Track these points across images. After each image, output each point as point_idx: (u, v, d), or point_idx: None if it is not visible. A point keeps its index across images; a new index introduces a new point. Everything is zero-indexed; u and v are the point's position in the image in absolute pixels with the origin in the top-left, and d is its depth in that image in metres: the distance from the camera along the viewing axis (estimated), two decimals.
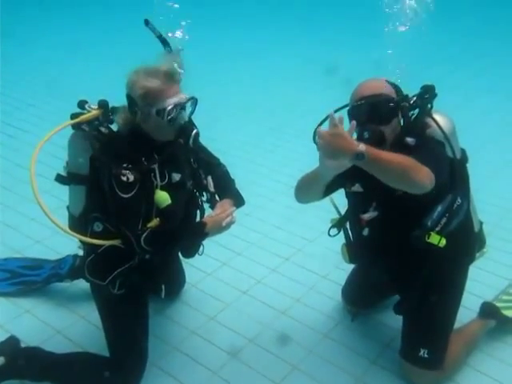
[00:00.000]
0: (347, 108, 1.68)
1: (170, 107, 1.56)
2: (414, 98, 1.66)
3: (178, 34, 1.75)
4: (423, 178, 1.44)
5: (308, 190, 1.70)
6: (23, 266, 2.28)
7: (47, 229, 2.37)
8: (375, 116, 1.58)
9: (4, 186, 3.04)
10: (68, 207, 1.82)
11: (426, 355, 1.74)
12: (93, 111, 1.67)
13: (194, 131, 1.64)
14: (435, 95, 1.68)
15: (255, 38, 6.37)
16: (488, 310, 2.04)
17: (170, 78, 1.58)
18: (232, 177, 1.94)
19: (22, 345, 1.81)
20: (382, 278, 1.84)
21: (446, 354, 1.77)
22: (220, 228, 1.71)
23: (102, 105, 1.68)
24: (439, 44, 6.15)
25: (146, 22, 1.79)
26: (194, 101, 1.65)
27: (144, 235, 1.58)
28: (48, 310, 2.16)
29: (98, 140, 1.63)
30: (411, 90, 1.72)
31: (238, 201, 1.86)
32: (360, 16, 6.95)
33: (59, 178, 1.76)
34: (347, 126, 1.69)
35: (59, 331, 2.05)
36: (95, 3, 6.87)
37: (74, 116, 1.67)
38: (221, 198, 1.81)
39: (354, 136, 1.48)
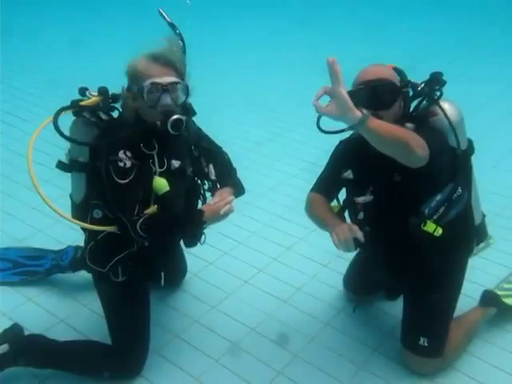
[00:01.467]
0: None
1: (147, 86, 1.55)
2: (422, 85, 1.64)
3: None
4: (418, 148, 1.42)
5: (316, 223, 1.76)
6: (25, 256, 2.28)
7: (48, 218, 2.38)
8: (374, 101, 1.57)
9: (4, 174, 3.04)
10: (71, 195, 1.82)
11: (425, 343, 1.75)
12: (93, 98, 1.66)
13: (174, 117, 1.58)
14: (444, 82, 1.66)
15: (255, 29, 6.34)
16: (489, 298, 2.04)
17: (157, 57, 1.57)
18: (234, 166, 1.94)
19: (26, 332, 1.82)
20: (382, 266, 1.84)
21: (445, 342, 1.78)
22: (217, 217, 1.69)
23: (103, 92, 1.67)
24: (438, 34, 6.11)
25: (160, 13, 1.78)
26: (184, 87, 1.61)
27: (140, 221, 1.57)
28: (51, 298, 2.17)
29: (98, 126, 1.62)
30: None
31: (238, 190, 1.85)
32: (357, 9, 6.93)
33: (60, 165, 1.76)
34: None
35: (62, 319, 2.06)
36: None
37: (74, 102, 1.66)
38: (221, 187, 1.81)
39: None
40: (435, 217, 1.61)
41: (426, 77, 1.67)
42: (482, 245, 1.86)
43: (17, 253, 2.30)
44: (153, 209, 1.63)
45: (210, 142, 1.88)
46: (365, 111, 1.39)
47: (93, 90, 1.68)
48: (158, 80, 1.56)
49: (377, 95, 1.57)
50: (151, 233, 1.61)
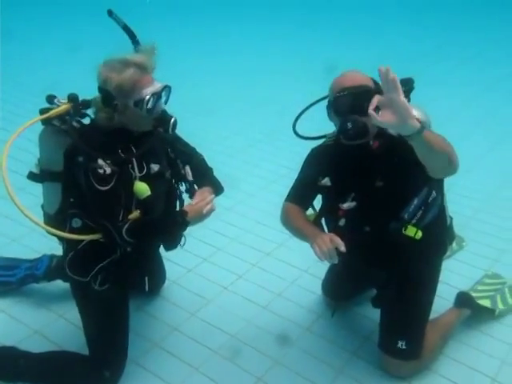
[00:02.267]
0: (326, 100, 1.69)
1: (147, 97, 1.55)
2: None
3: None
4: (456, 161, 1.45)
5: (294, 234, 1.77)
6: None
7: (23, 227, 2.33)
8: (358, 107, 1.58)
9: None
10: (42, 206, 1.78)
11: (403, 346, 1.78)
12: (63, 105, 1.63)
13: (173, 119, 1.62)
14: (412, 88, 1.70)
15: (235, 35, 6.36)
16: (463, 299, 2.08)
17: (143, 67, 1.56)
18: (210, 165, 1.93)
19: None
20: (359, 270, 1.87)
21: (422, 345, 1.81)
22: (201, 216, 1.71)
23: (72, 98, 1.63)
24: (416, 39, 6.25)
25: (110, 13, 1.74)
26: (168, 88, 1.64)
27: (125, 227, 1.57)
28: (24, 309, 2.11)
29: (70, 134, 1.59)
30: None
31: (217, 188, 1.85)
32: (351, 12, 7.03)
33: (31, 176, 1.72)
34: (324, 118, 1.70)
35: (36, 331, 2.01)
36: (95, 2, 6.72)
37: (43, 111, 1.62)
38: (199, 187, 1.81)
39: None
40: (414, 221, 1.65)
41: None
42: (455, 247, 1.90)
43: None
44: (135, 214, 1.62)
45: (185, 144, 1.88)
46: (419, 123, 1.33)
47: (61, 97, 1.65)
48: (154, 89, 1.57)
49: (359, 102, 1.57)
50: (137, 237, 1.60)
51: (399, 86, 1.29)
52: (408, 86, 1.68)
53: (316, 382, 1.83)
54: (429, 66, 5.26)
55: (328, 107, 1.68)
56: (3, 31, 4.71)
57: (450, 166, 1.47)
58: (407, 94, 1.69)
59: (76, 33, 5.90)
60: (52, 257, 2.15)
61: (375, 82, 1.66)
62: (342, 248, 1.46)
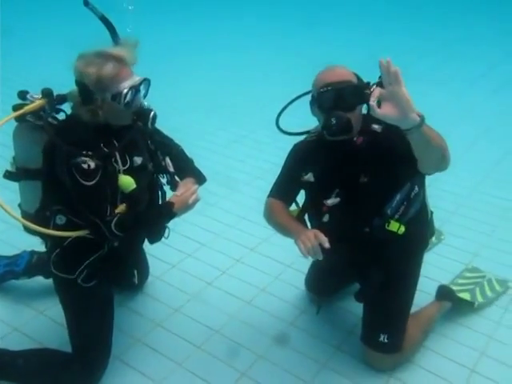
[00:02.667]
0: (309, 95, 1.69)
1: (125, 90, 1.53)
2: (374, 86, 1.68)
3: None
4: (449, 156, 1.48)
5: (277, 230, 1.77)
6: None
7: (1, 223, 2.28)
8: (342, 102, 1.58)
9: None
10: (19, 205, 1.74)
11: (385, 340, 1.80)
12: (37, 101, 1.59)
13: (152, 113, 1.61)
14: None
15: (222, 29, 6.32)
16: (444, 292, 2.12)
17: (121, 60, 1.54)
18: (189, 156, 1.91)
19: None
20: (342, 265, 1.88)
21: (404, 338, 1.83)
22: (187, 206, 1.71)
23: (47, 93, 1.60)
24: (402, 35, 6.29)
25: (86, 3, 1.70)
26: (147, 82, 1.62)
27: (114, 221, 1.56)
28: (4, 306, 2.08)
29: (46, 130, 1.56)
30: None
31: (200, 178, 1.85)
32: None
33: (8, 175, 1.68)
34: (307, 113, 1.69)
35: (16, 328, 1.97)
36: None
37: (16, 107, 1.58)
38: (181, 178, 1.80)
39: None
40: (397, 216, 1.67)
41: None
42: (434, 241, 1.93)
43: None
44: (121, 207, 1.61)
45: (163, 136, 1.87)
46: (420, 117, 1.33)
47: (34, 92, 1.61)
48: (132, 83, 1.55)
49: (344, 97, 1.57)
50: (126, 230, 1.59)
51: (401, 78, 1.29)
52: None
53: (300, 376, 1.85)
54: (412, 62, 5.31)
55: (311, 102, 1.68)
56: (3, 27, 4.60)
57: (443, 161, 1.48)
58: None
59: (76, 28, 5.79)
60: (32, 253, 2.11)
61: (358, 78, 1.66)
62: (326, 244, 1.46)
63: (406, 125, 1.34)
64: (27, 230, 1.72)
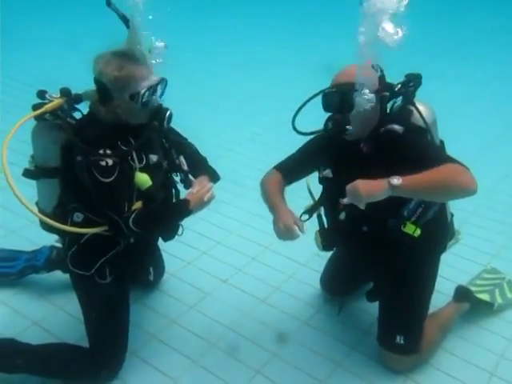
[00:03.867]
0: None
1: (143, 90, 1.55)
2: (399, 86, 1.65)
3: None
4: (464, 180, 1.43)
5: (263, 198, 1.86)
6: None
7: (22, 219, 2.32)
8: (340, 105, 1.57)
9: None
10: (37, 203, 1.77)
11: (402, 341, 1.78)
12: (55, 100, 1.61)
13: (168, 112, 1.63)
14: (420, 84, 1.68)
15: (233, 27, 6.31)
16: (462, 293, 2.08)
17: (139, 60, 1.56)
18: (203, 155, 1.93)
19: None
20: (358, 265, 1.86)
21: (421, 339, 1.81)
22: (202, 203, 1.72)
23: (65, 93, 1.63)
24: (417, 33, 6.19)
25: (108, 3, 1.72)
26: (165, 82, 1.64)
27: (132, 217, 1.58)
28: (23, 300, 2.12)
29: (65, 129, 1.58)
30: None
31: (214, 176, 1.87)
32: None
33: (26, 173, 1.71)
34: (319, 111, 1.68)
35: (36, 322, 2.01)
36: None
37: (36, 107, 1.61)
38: (196, 176, 1.81)
39: None
40: (414, 218, 1.64)
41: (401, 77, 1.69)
42: (451, 241, 1.90)
43: None
44: (138, 204, 1.63)
45: (177, 134, 1.88)
46: (395, 180, 1.42)
47: (52, 92, 1.63)
48: (150, 83, 1.57)
49: (342, 100, 1.57)
50: (144, 227, 1.62)
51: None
52: (416, 81, 1.66)
53: (314, 375, 1.84)
54: (429, 60, 5.23)
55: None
56: (3, 25, 4.68)
57: (461, 192, 1.44)
58: (414, 89, 1.66)
59: (76, 25, 5.86)
60: (52, 248, 2.15)
61: (380, 78, 1.61)
62: (300, 224, 1.57)
63: (380, 198, 1.44)
64: (45, 227, 1.75)
